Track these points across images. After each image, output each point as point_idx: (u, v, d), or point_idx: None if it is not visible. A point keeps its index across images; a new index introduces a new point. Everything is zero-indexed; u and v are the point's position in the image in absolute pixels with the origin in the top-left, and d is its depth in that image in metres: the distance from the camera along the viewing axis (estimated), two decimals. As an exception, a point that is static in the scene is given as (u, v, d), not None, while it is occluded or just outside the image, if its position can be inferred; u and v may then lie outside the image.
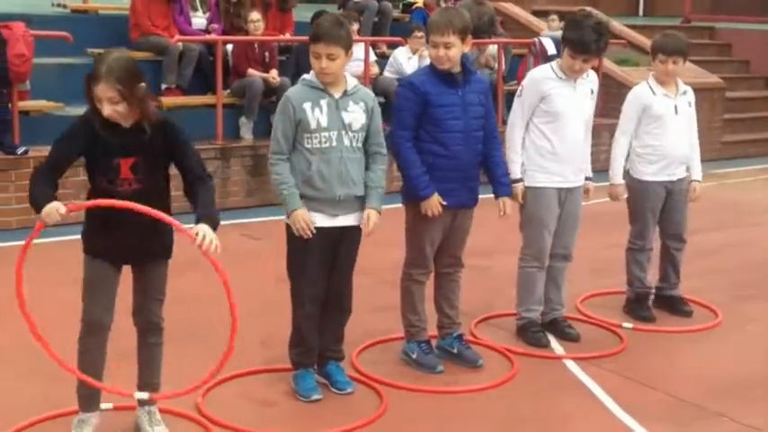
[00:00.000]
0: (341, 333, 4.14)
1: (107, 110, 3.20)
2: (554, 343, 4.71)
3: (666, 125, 4.98)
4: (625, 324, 5.01)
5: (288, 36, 9.30)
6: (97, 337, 3.46)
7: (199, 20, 9.05)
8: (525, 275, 4.70)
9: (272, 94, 8.29)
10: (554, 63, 4.63)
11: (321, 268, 3.94)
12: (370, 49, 9.04)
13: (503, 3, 12.43)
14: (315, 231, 3.85)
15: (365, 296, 4.55)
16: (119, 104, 3.20)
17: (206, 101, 8.34)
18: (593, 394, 4.17)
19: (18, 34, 6.77)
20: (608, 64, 10.91)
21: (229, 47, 8.54)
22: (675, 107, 5.02)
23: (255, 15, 8.62)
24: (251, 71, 8.36)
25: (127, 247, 3.42)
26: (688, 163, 5.13)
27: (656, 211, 5.10)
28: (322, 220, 3.88)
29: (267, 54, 8.56)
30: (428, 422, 3.90)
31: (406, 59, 9.11)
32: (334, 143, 3.85)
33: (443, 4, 10.62)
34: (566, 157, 4.56)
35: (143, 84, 3.27)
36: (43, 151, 6.99)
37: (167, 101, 8.25)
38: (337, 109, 3.86)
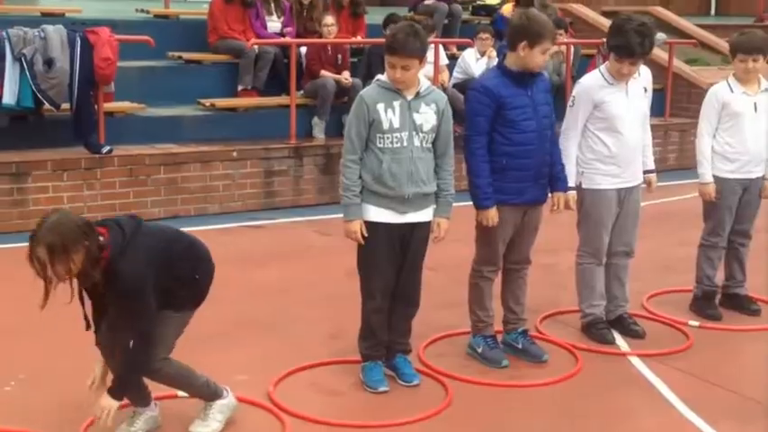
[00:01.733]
0: (409, 326, 4.26)
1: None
2: (619, 340, 4.74)
3: (744, 123, 4.95)
4: (691, 322, 5.02)
5: (359, 38, 9.48)
6: None
7: (274, 24, 9.28)
8: (583, 271, 4.75)
9: (344, 94, 8.48)
10: (603, 68, 4.63)
11: (390, 263, 4.06)
12: (442, 50, 9.17)
13: (572, 4, 12.40)
14: (382, 229, 3.99)
15: (434, 292, 4.64)
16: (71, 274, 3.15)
17: (280, 101, 8.56)
18: (658, 391, 4.19)
19: (104, 39, 7.04)
20: (678, 63, 10.79)
21: (303, 49, 8.76)
22: (755, 105, 4.98)
23: (330, 20, 8.82)
24: (324, 73, 8.56)
25: None
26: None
27: (733, 208, 5.07)
28: (392, 217, 4.00)
29: (340, 56, 8.75)
30: (492, 415, 3.97)
31: (474, 61, 9.19)
32: (405, 143, 3.96)
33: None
34: (624, 159, 4.59)
35: (82, 246, 3.12)
36: (129, 150, 7.37)
37: (244, 101, 8.53)
38: (409, 110, 3.96)
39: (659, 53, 10.19)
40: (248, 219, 7.51)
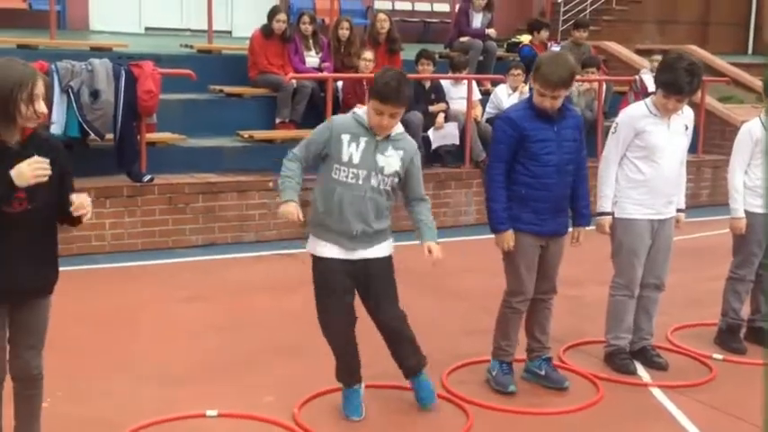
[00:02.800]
0: (407, 351, 4.18)
1: (43, 107, 3.14)
2: (641, 371, 4.78)
3: None
4: (715, 355, 5.04)
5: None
6: None
7: (312, 59, 9.52)
8: (615, 303, 4.82)
9: (378, 128, 8.64)
10: (648, 100, 4.75)
11: (345, 294, 4.02)
12: (476, 86, 9.34)
13: (606, 41, 12.51)
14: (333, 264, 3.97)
15: (459, 320, 4.73)
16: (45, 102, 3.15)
17: (317, 134, 8.75)
18: (679, 423, 4.22)
19: (147, 72, 7.30)
20: (710, 101, 10.83)
21: (339, 84, 8.98)
22: None
23: (369, 55, 9.03)
24: (359, 106, 8.74)
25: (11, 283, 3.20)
26: None
27: (763, 243, 5.12)
28: (341, 254, 3.96)
29: (375, 90, 8.93)
30: (512, 440, 4.02)
31: (506, 96, 9.33)
32: (361, 182, 3.92)
33: (550, 45, 10.82)
34: (657, 190, 4.68)
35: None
36: (169, 179, 7.59)
37: (281, 134, 8.74)
38: (375, 150, 3.93)
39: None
40: (282, 247, 7.66)
